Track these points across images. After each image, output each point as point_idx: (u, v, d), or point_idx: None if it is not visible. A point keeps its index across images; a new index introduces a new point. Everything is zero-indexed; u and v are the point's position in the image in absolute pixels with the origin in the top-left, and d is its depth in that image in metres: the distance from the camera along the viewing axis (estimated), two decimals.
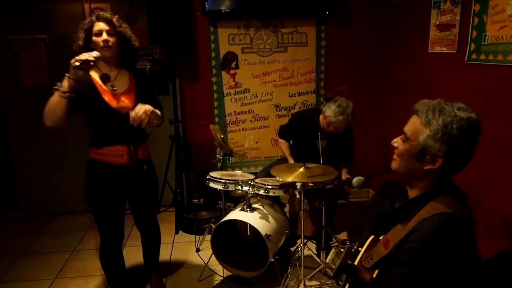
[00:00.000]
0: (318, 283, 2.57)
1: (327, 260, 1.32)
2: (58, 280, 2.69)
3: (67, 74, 1.80)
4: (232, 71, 3.69)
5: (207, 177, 2.70)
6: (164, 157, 3.52)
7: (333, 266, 1.25)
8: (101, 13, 1.97)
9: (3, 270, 2.87)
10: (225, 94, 3.72)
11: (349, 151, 3.05)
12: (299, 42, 3.70)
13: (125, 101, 1.99)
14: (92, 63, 1.80)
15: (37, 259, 3.00)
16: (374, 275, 1.20)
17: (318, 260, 2.59)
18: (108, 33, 1.94)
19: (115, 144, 1.98)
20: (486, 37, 2.25)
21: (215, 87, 3.70)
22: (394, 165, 1.28)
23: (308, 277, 2.55)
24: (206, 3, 3.36)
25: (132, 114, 1.87)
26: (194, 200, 3.84)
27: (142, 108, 1.88)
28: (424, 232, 1.08)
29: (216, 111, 3.75)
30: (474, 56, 2.37)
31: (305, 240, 2.50)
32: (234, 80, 3.71)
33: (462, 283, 1.08)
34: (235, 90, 3.73)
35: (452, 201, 1.15)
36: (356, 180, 2.30)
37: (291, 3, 3.48)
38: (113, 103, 1.95)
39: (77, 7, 3.41)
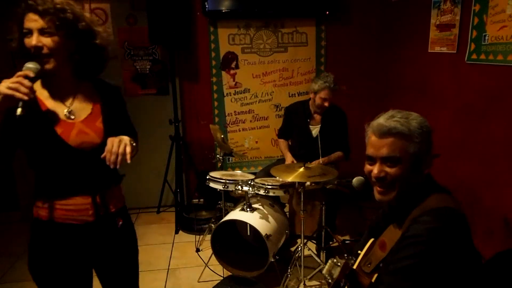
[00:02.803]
0: (318, 283, 2.57)
1: (324, 272, 1.28)
2: None
3: None
4: (232, 71, 3.69)
5: (207, 177, 2.70)
6: (164, 157, 3.52)
7: (330, 280, 1.23)
8: (33, 1, 1.21)
9: (3, 270, 2.87)
10: (225, 94, 3.72)
11: (343, 139, 3.04)
12: (299, 42, 3.70)
13: (89, 133, 1.32)
14: (29, 90, 1.13)
15: None
16: (373, 280, 1.20)
17: (318, 260, 2.59)
18: (42, 32, 1.20)
19: (74, 195, 1.31)
20: (486, 37, 2.25)
21: (215, 87, 3.70)
22: (390, 195, 1.18)
23: (308, 277, 2.55)
24: (206, 3, 3.36)
25: (108, 155, 1.22)
26: (194, 200, 3.84)
27: (122, 143, 1.24)
28: (424, 225, 1.08)
29: (216, 111, 3.75)
30: (474, 56, 2.37)
31: (305, 240, 2.50)
32: (234, 80, 3.71)
33: (462, 279, 1.08)
34: (235, 90, 3.73)
35: (444, 196, 1.16)
36: (356, 180, 2.29)
37: (291, 3, 3.48)
38: (70, 137, 1.28)
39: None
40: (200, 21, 3.53)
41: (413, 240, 1.07)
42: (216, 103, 3.73)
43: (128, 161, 1.24)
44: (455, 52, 2.56)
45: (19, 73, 1.14)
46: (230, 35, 3.60)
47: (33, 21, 1.20)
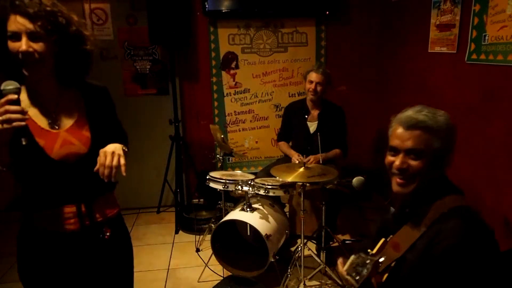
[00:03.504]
0: (318, 283, 2.57)
1: (345, 268, 1.18)
2: None
3: None
4: (232, 71, 3.69)
5: (207, 177, 2.70)
6: (164, 157, 3.52)
7: (356, 277, 1.13)
8: (19, 1, 1.09)
9: (3, 270, 2.87)
10: (225, 94, 3.72)
11: (340, 137, 3.06)
12: (299, 42, 3.70)
13: (75, 143, 1.22)
14: (21, 113, 1.03)
15: None
16: (383, 279, 1.20)
17: (318, 260, 2.58)
18: (32, 36, 1.10)
19: (59, 205, 1.24)
20: (486, 37, 2.25)
21: (215, 87, 3.70)
22: (409, 188, 1.19)
23: (308, 277, 2.55)
24: (206, 3, 3.36)
25: (101, 169, 1.15)
26: (194, 200, 3.84)
27: (115, 155, 1.16)
28: (451, 229, 1.09)
29: (216, 111, 3.75)
30: (474, 56, 2.37)
31: (305, 240, 2.50)
32: (234, 80, 3.71)
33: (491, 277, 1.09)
34: (235, 90, 3.73)
35: (459, 198, 1.18)
36: (356, 180, 2.30)
37: (291, 3, 3.48)
38: (53, 149, 1.19)
39: (76, 7, 3.39)
40: (200, 21, 3.53)
41: (448, 253, 1.07)
42: (216, 103, 3.73)
43: (123, 174, 1.16)
44: (455, 52, 2.56)
45: (2, 100, 1.02)
46: (230, 35, 3.60)
47: (21, 24, 1.08)
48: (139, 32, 3.47)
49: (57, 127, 1.21)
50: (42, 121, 1.20)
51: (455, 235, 1.08)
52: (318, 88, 2.96)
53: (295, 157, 2.94)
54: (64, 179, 1.22)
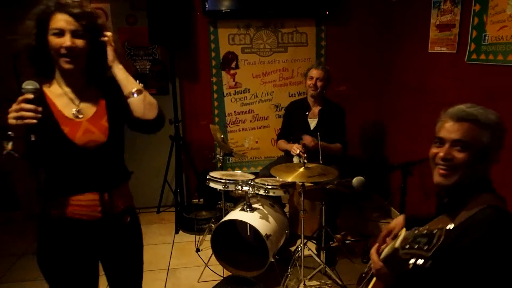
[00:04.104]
0: (318, 283, 2.57)
1: (398, 244, 1.07)
2: None
3: (10, 134, 1.13)
4: (232, 71, 3.69)
5: (207, 177, 2.70)
6: (164, 157, 3.52)
7: (425, 247, 0.98)
8: (65, 1, 1.27)
9: (3, 270, 2.87)
10: (225, 94, 3.72)
11: (340, 134, 3.08)
12: (299, 42, 3.70)
13: (95, 132, 1.35)
14: (34, 112, 1.14)
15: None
16: (410, 266, 1.20)
17: (318, 260, 2.58)
18: (74, 34, 1.26)
19: (82, 192, 1.34)
20: (486, 37, 2.25)
21: (215, 87, 3.70)
22: (451, 180, 1.18)
23: (308, 277, 2.55)
24: (206, 3, 3.36)
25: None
26: (194, 200, 3.84)
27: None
28: (485, 221, 1.09)
29: (216, 111, 3.75)
30: (474, 56, 2.37)
31: (305, 240, 2.50)
32: (234, 80, 3.71)
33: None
34: (235, 90, 3.73)
35: (499, 198, 1.18)
36: (356, 180, 2.30)
37: (291, 3, 3.48)
38: (76, 136, 1.31)
39: None
40: (200, 21, 3.53)
41: (475, 246, 1.06)
42: (216, 103, 3.73)
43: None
44: (455, 52, 2.56)
45: (19, 98, 1.14)
46: (230, 35, 3.60)
47: (66, 22, 1.24)
48: (139, 32, 3.47)
49: (80, 116, 1.34)
50: (67, 111, 1.33)
51: (488, 228, 1.07)
52: (319, 84, 3.00)
53: (295, 147, 2.93)
54: (87, 165, 1.34)
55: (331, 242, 2.94)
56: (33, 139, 1.15)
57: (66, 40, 1.24)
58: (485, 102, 2.30)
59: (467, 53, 2.42)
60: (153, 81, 3.63)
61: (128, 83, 1.39)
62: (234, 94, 3.73)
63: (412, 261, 0.97)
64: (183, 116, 3.68)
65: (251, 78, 3.72)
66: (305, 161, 2.48)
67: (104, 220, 1.38)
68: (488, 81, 2.28)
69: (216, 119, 3.76)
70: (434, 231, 0.95)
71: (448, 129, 1.19)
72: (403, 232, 1.10)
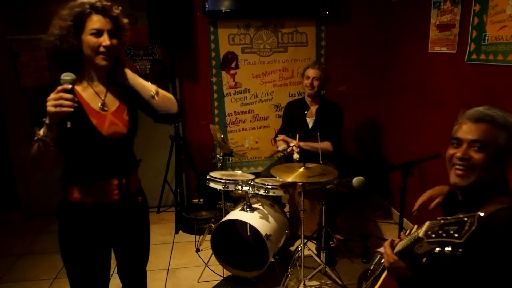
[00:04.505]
0: (318, 283, 2.57)
1: (422, 233, 1.05)
2: (58, 280, 2.69)
3: (45, 120, 1.26)
4: (232, 71, 3.69)
5: (207, 177, 2.70)
6: (164, 157, 3.52)
7: (455, 234, 0.96)
8: (100, 3, 1.38)
9: (3, 270, 2.87)
10: (225, 94, 3.72)
11: (334, 132, 3.06)
12: (299, 42, 3.70)
13: (118, 124, 1.49)
14: (71, 101, 1.24)
15: (37, 259, 3.00)
16: (423, 261, 1.20)
17: (318, 260, 2.59)
18: (110, 33, 1.39)
19: (104, 179, 1.48)
20: (486, 37, 2.25)
21: (215, 87, 3.70)
22: (468, 180, 1.18)
23: (308, 277, 2.55)
24: (206, 3, 3.36)
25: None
26: (194, 200, 3.84)
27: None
28: (506, 218, 1.08)
29: (216, 111, 3.75)
30: (474, 56, 2.37)
31: (305, 240, 2.50)
32: (234, 80, 3.71)
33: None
34: (235, 90, 3.73)
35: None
36: (356, 180, 2.30)
37: (291, 3, 3.48)
38: (103, 128, 1.44)
39: None
40: (200, 21, 3.53)
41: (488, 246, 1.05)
42: (216, 103, 3.73)
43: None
44: (455, 52, 2.56)
45: (59, 88, 1.24)
46: (230, 35, 3.60)
47: (103, 23, 1.37)
48: (139, 32, 3.47)
49: (106, 109, 1.47)
50: (95, 104, 1.45)
51: (508, 225, 1.06)
52: (315, 83, 3.02)
53: (280, 139, 3.05)
54: (109, 154, 1.48)
55: (331, 242, 2.94)
56: (69, 126, 1.24)
57: (106, 39, 1.36)
58: (485, 102, 2.30)
59: (467, 53, 2.42)
60: (153, 81, 3.57)
61: (144, 87, 1.53)
62: (234, 94, 3.73)
63: (438, 249, 0.96)
64: (183, 116, 3.68)
65: (251, 78, 3.72)
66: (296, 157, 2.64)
67: (121, 203, 1.53)
68: (488, 81, 2.28)
69: (216, 119, 3.76)
70: (465, 219, 0.93)
71: (466, 130, 1.20)
72: (426, 223, 1.07)
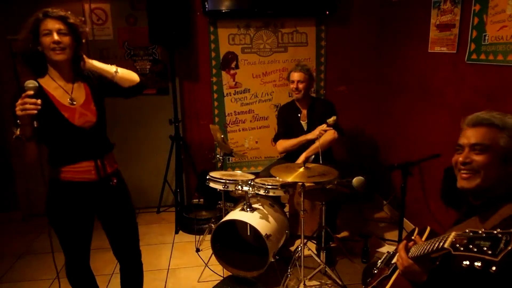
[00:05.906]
0: (318, 283, 2.57)
1: (447, 243, 1.03)
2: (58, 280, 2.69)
3: (18, 122, 1.52)
4: (232, 71, 3.69)
5: (207, 177, 2.70)
6: (164, 157, 3.52)
7: (489, 251, 0.92)
8: (50, 10, 1.64)
9: (3, 270, 2.87)
10: (225, 94, 3.72)
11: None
12: (299, 42, 3.70)
13: (87, 115, 1.75)
14: (34, 105, 1.48)
15: (37, 259, 3.00)
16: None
17: (318, 260, 2.58)
18: (60, 32, 1.62)
19: (80, 161, 1.75)
20: (486, 37, 2.25)
21: (215, 87, 3.70)
22: (473, 182, 1.20)
23: (308, 277, 2.55)
24: (206, 3, 3.36)
25: None
26: (194, 200, 3.84)
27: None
28: None
29: (216, 111, 3.75)
30: (474, 56, 2.37)
31: (305, 240, 2.50)
32: (234, 80, 3.71)
33: None
34: (235, 90, 3.73)
35: None
36: (356, 180, 2.30)
37: (291, 3, 3.48)
38: (75, 119, 1.70)
39: (77, 7, 3.40)
40: (200, 21, 3.53)
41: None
42: (216, 103, 3.73)
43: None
44: (455, 52, 2.56)
45: (23, 94, 1.48)
46: (230, 35, 3.60)
47: (52, 24, 1.61)
48: (139, 32, 3.47)
49: (74, 103, 1.73)
50: (64, 100, 1.71)
51: None
52: (300, 86, 3.02)
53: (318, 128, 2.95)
54: (84, 141, 1.75)
55: (331, 242, 2.94)
56: (35, 125, 1.49)
57: (54, 36, 1.60)
58: (485, 102, 2.30)
59: (467, 53, 2.42)
60: (153, 81, 3.63)
61: (105, 69, 1.82)
62: (234, 94, 3.73)
63: (466, 263, 0.92)
64: (183, 116, 3.68)
65: (251, 78, 3.72)
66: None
67: (99, 182, 1.81)
68: (488, 81, 2.28)
69: (216, 119, 3.76)
70: (499, 235, 0.90)
71: (466, 135, 1.24)
72: (452, 233, 1.04)
